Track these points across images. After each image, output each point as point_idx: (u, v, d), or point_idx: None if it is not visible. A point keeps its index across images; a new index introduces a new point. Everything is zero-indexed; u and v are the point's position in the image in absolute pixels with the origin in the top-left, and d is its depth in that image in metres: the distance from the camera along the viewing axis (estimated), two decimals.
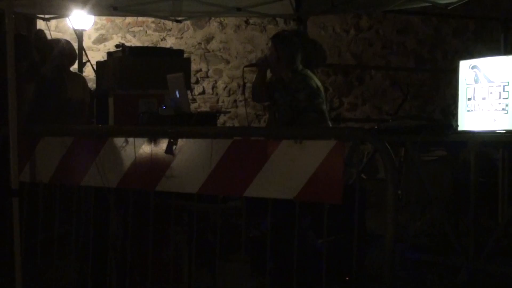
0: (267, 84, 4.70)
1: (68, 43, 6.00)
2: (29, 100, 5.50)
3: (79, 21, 7.82)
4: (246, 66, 4.82)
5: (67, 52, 5.87)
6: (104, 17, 9.02)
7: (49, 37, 6.11)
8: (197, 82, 9.60)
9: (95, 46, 9.25)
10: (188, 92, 6.16)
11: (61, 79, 5.68)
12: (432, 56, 10.34)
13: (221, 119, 9.05)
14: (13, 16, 3.90)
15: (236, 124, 9.45)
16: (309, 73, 4.58)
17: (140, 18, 9.16)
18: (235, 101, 9.74)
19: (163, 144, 3.52)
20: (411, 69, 10.19)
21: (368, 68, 10.09)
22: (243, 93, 9.71)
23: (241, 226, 3.57)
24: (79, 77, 6.21)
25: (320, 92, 4.53)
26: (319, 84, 4.57)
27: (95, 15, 7.99)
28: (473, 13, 9.44)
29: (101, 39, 9.34)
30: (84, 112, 6.01)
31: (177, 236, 4.08)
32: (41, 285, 3.98)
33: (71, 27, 7.88)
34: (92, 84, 7.41)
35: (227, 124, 9.28)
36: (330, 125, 4.60)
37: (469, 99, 5.17)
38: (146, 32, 9.48)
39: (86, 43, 8.79)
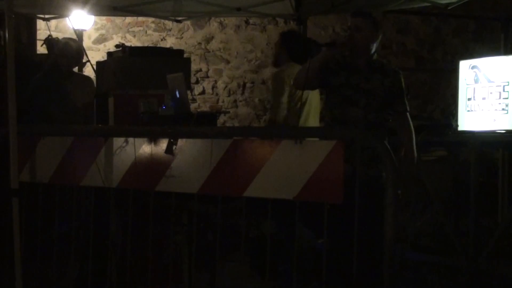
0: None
1: (70, 43, 5.97)
2: (25, 97, 5.48)
3: (79, 21, 7.81)
4: (326, 44, 4.37)
5: (73, 53, 5.83)
6: (104, 17, 9.01)
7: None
8: (197, 82, 9.60)
9: (95, 46, 9.25)
10: (188, 92, 6.16)
11: (62, 80, 5.66)
12: (432, 56, 10.34)
13: (221, 119, 9.04)
14: (13, 16, 3.89)
15: (236, 124, 9.44)
16: None
17: (140, 18, 9.15)
18: (235, 101, 9.73)
19: (163, 144, 3.52)
20: (411, 69, 10.18)
21: None
22: (243, 93, 9.72)
23: (241, 226, 3.57)
24: (87, 80, 6.19)
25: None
26: None
27: (95, 15, 7.98)
28: (473, 13, 9.43)
29: (101, 39, 9.34)
30: (88, 115, 6.00)
31: (177, 236, 4.08)
32: (41, 285, 3.98)
33: (71, 27, 7.85)
34: None
35: (227, 124, 9.28)
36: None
37: (469, 99, 5.17)
38: (146, 32, 9.48)
39: (86, 43, 8.79)
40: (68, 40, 5.98)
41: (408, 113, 4.21)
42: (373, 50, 4.20)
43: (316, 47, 4.79)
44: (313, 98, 5.40)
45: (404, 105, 4.19)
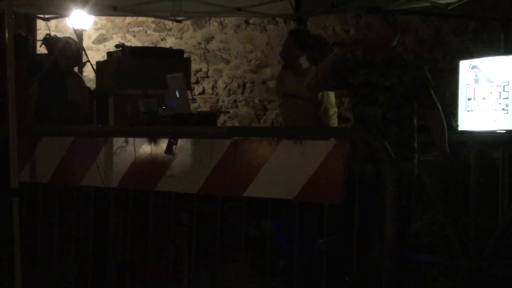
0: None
1: (70, 42, 5.97)
2: (34, 98, 5.48)
3: (79, 21, 7.81)
4: (334, 44, 4.26)
5: (73, 53, 5.82)
6: (104, 17, 9.02)
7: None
8: (197, 82, 9.60)
9: (95, 46, 9.25)
10: (188, 92, 6.16)
11: (62, 80, 5.65)
12: (432, 56, 10.33)
13: (221, 119, 9.04)
14: (13, 16, 3.89)
15: (236, 124, 9.45)
16: None
17: (140, 18, 9.15)
18: (235, 101, 9.73)
19: (163, 144, 3.52)
20: None
21: None
22: (243, 93, 9.72)
23: (241, 226, 3.57)
24: (77, 76, 6.20)
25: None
26: None
27: (95, 15, 7.99)
28: (473, 13, 9.43)
29: (101, 39, 9.34)
30: (84, 112, 6.00)
31: (177, 236, 4.08)
32: (41, 285, 3.98)
33: (71, 27, 7.86)
34: (92, 84, 7.41)
35: (227, 124, 9.28)
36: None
37: (469, 99, 5.17)
38: (146, 32, 9.48)
39: (86, 43, 8.79)
40: (68, 39, 5.98)
41: (438, 107, 4.17)
42: (392, 45, 4.18)
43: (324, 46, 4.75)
44: (328, 99, 5.37)
45: (431, 99, 4.15)
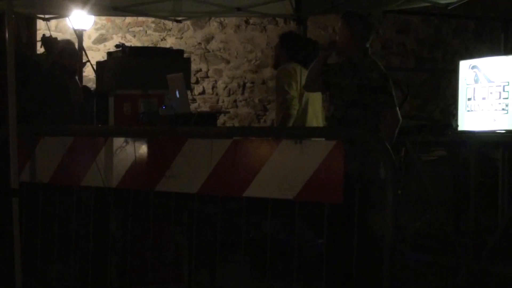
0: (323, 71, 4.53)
1: (71, 42, 5.96)
2: (29, 96, 5.46)
3: (79, 21, 7.81)
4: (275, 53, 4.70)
5: (72, 54, 5.80)
6: (104, 17, 9.01)
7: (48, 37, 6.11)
8: (197, 82, 9.60)
9: (95, 46, 9.25)
10: (188, 92, 6.16)
11: (63, 81, 5.62)
12: (432, 56, 10.34)
13: (221, 119, 9.04)
14: (13, 16, 3.89)
15: (236, 124, 9.45)
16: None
17: (140, 18, 9.15)
18: (235, 101, 9.73)
19: (163, 144, 3.53)
20: (411, 69, 10.18)
21: None
22: (243, 93, 9.72)
23: (241, 226, 3.57)
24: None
25: (389, 78, 4.41)
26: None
27: (95, 15, 7.99)
28: (473, 13, 9.43)
29: (101, 39, 9.34)
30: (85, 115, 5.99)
31: (177, 236, 4.08)
32: (41, 285, 3.98)
33: (71, 27, 7.87)
34: (92, 84, 7.41)
35: (227, 124, 9.28)
36: (399, 113, 4.40)
37: (469, 99, 5.17)
38: (146, 32, 9.48)
39: (86, 43, 8.79)
40: (68, 41, 5.97)
41: (390, 107, 4.29)
42: (357, 47, 4.35)
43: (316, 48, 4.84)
44: (315, 99, 5.40)
45: (378, 101, 4.27)
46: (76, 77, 6.18)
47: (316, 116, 5.42)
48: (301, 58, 5.30)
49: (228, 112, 9.46)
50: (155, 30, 9.49)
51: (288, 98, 5.17)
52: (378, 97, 4.28)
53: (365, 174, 3.43)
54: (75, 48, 5.80)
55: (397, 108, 4.41)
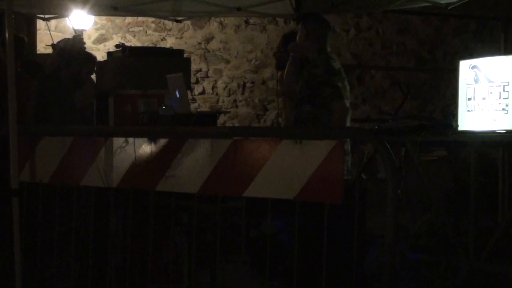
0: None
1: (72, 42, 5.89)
2: (34, 96, 5.44)
3: (79, 21, 7.82)
4: (276, 53, 4.77)
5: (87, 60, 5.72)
6: (104, 17, 9.03)
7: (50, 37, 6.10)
8: (197, 82, 9.60)
9: (95, 46, 9.26)
10: (188, 92, 6.15)
11: (67, 89, 5.55)
12: (432, 56, 10.34)
13: (221, 119, 9.05)
14: (13, 16, 3.89)
15: (236, 124, 9.45)
16: (335, 56, 4.58)
17: (140, 18, 9.16)
18: (235, 101, 9.74)
19: (163, 144, 3.53)
20: (411, 69, 10.19)
21: (368, 68, 10.09)
22: (243, 93, 9.73)
23: (241, 226, 3.57)
24: (89, 80, 6.18)
25: (340, 73, 4.46)
26: (341, 69, 4.54)
27: (95, 15, 7.99)
28: (473, 13, 9.43)
29: (101, 39, 9.35)
30: (87, 116, 5.98)
31: (177, 236, 4.08)
32: (41, 285, 3.98)
33: (71, 27, 7.88)
34: None
35: (227, 124, 9.28)
36: (347, 105, 4.45)
37: (469, 99, 5.17)
38: (146, 32, 9.49)
39: (86, 43, 8.79)
40: (67, 40, 5.93)
41: (337, 99, 4.34)
42: (311, 47, 4.48)
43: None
44: None
45: (323, 95, 4.35)
46: (92, 80, 6.17)
47: None
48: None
49: (228, 112, 9.47)
50: (155, 30, 9.50)
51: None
52: (323, 91, 4.34)
53: None
54: (86, 53, 5.77)
55: (345, 100, 4.44)
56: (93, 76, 6.79)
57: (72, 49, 5.36)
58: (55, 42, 6.07)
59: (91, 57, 5.81)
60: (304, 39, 4.51)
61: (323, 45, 4.53)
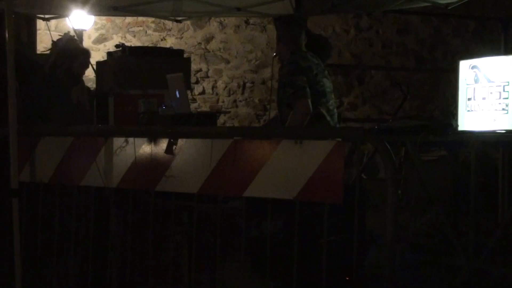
0: None
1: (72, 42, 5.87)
2: (29, 97, 5.43)
3: (79, 21, 7.81)
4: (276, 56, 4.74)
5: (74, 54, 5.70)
6: (104, 17, 9.02)
7: (50, 37, 6.08)
8: (197, 82, 9.60)
9: (95, 46, 9.25)
10: (188, 92, 6.15)
11: (66, 86, 5.55)
12: (432, 56, 10.34)
13: (221, 119, 9.05)
14: (13, 16, 3.89)
15: (236, 124, 9.45)
16: (308, 55, 4.53)
17: (140, 18, 9.16)
18: (235, 101, 9.74)
19: (163, 144, 3.52)
20: (411, 69, 10.19)
21: (368, 68, 10.09)
22: (243, 93, 9.73)
23: (241, 226, 3.57)
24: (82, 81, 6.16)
25: (308, 72, 4.41)
26: (313, 66, 4.48)
27: (95, 15, 7.98)
28: (473, 13, 9.44)
29: (101, 39, 9.34)
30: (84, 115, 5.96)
31: (177, 236, 4.08)
32: (41, 285, 3.98)
33: (71, 27, 7.86)
34: (92, 84, 7.41)
35: (227, 124, 9.28)
36: (308, 104, 4.37)
37: (469, 99, 5.17)
38: (146, 32, 9.48)
39: (86, 43, 8.79)
40: (68, 40, 5.91)
41: (299, 99, 4.31)
42: (285, 49, 4.50)
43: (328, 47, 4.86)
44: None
45: (288, 93, 4.33)
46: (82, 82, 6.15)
47: None
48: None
49: (228, 112, 9.47)
50: (155, 30, 9.49)
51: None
52: (286, 92, 4.34)
53: None
54: (77, 46, 5.74)
55: (308, 100, 4.37)
56: (93, 76, 6.80)
57: (66, 46, 5.36)
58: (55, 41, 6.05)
59: (83, 50, 5.79)
60: (277, 42, 4.51)
61: (296, 47, 4.49)
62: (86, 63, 5.51)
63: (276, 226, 4.64)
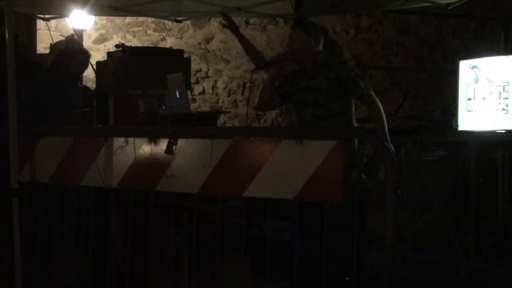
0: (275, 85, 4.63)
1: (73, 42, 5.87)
2: (29, 97, 5.43)
3: (79, 21, 7.80)
4: (266, 63, 4.71)
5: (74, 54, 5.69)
6: (104, 17, 9.01)
7: (50, 37, 6.08)
8: (197, 82, 9.60)
9: (95, 46, 9.25)
10: (188, 92, 6.14)
11: (66, 86, 5.54)
12: (432, 56, 10.34)
13: (221, 119, 9.04)
14: (13, 16, 3.89)
15: (236, 124, 9.45)
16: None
17: (140, 18, 9.15)
18: (235, 101, 9.73)
19: (163, 144, 3.52)
20: (411, 69, 10.19)
21: (368, 68, 10.09)
22: (242, 93, 9.73)
23: (241, 226, 3.57)
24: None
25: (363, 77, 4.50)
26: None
27: (95, 15, 7.98)
28: (473, 13, 9.43)
29: (101, 39, 9.34)
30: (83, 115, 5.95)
31: (177, 236, 4.08)
32: (41, 285, 3.98)
33: (71, 27, 7.86)
34: (92, 84, 7.41)
35: (227, 124, 9.28)
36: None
37: (469, 99, 5.17)
38: (146, 32, 9.48)
39: (86, 43, 8.79)
40: (68, 40, 5.91)
41: (371, 95, 4.38)
42: (317, 51, 4.48)
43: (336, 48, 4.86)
44: None
45: (361, 89, 4.37)
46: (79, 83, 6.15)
47: None
48: None
49: (228, 112, 9.46)
50: (155, 30, 9.49)
51: None
52: (360, 85, 4.37)
53: None
54: (76, 47, 5.74)
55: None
56: (93, 76, 6.80)
57: (66, 46, 5.37)
58: (54, 42, 6.05)
59: (82, 51, 5.79)
60: (311, 45, 4.48)
61: (323, 49, 4.56)
62: (85, 64, 5.51)
63: (277, 226, 4.65)
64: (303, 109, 4.48)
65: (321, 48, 4.52)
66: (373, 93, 4.39)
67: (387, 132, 4.33)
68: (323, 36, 4.57)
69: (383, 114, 4.36)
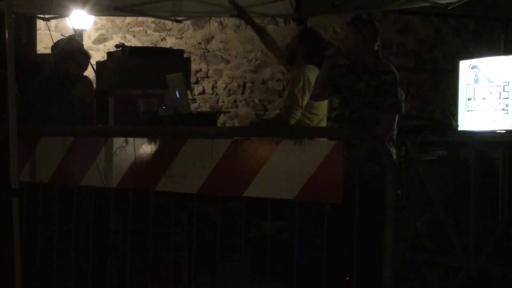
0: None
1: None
2: (29, 97, 5.42)
3: (79, 21, 7.81)
4: (290, 45, 4.69)
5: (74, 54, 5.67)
6: (104, 17, 9.02)
7: (50, 37, 6.07)
8: (197, 82, 9.60)
9: (95, 46, 9.25)
10: (188, 92, 6.14)
11: (66, 89, 5.52)
12: (432, 56, 10.34)
13: (221, 119, 9.05)
14: (13, 16, 3.89)
15: (236, 124, 9.45)
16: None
17: (140, 18, 9.15)
18: (235, 101, 9.74)
19: (163, 144, 3.53)
20: (411, 69, 10.19)
21: None
22: (243, 93, 9.73)
23: (241, 226, 3.57)
24: (86, 79, 6.17)
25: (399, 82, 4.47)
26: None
27: (95, 15, 7.99)
28: (473, 13, 9.43)
29: (101, 39, 9.34)
30: (87, 116, 5.96)
31: (177, 236, 4.08)
32: (41, 285, 3.98)
33: (71, 27, 7.86)
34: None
35: (227, 124, 9.28)
36: (396, 120, 4.39)
37: (469, 99, 5.17)
38: (146, 32, 9.48)
39: (86, 43, 8.79)
40: (68, 40, 5.90)
41: (391, 113, 4.33)
42: (369, 51, 4.43)
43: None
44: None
45: (386, 103, 4.32)
46: (88, 79, 6.15)
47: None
48: (318, 58, 5.19)
49: (228, 112, 9.46)
50: (155, 30, 9.49)
51: (292, 107, 5.05)
52: (387, 100, 4.32)
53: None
54: (75, 47, 5.73)
55: (397, 116, 4.40)
56: (93, 76, 6.79)
57: (66, 46, 5.35)
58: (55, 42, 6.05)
59: (81, 51, 5.78)
60: (362, 44, 4.44)
61: (377, 50, 4.52)
62: (84, 64, 5.50)
63: (277, 226, 4.65)
64: (342, 108, 4.42)
65: (375, 47, 4.48)
66: (391, 116, 4.33)
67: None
68: (377, 35, 4.50)
69: (385, 134, 4.28)
